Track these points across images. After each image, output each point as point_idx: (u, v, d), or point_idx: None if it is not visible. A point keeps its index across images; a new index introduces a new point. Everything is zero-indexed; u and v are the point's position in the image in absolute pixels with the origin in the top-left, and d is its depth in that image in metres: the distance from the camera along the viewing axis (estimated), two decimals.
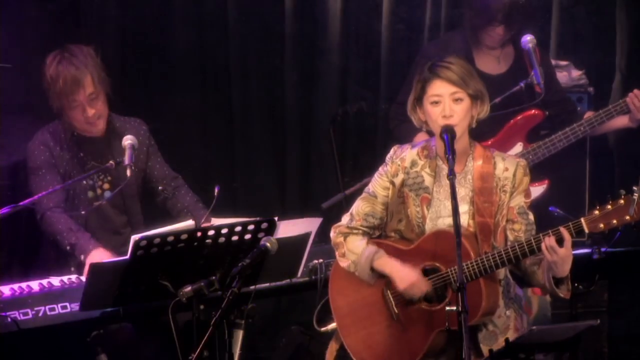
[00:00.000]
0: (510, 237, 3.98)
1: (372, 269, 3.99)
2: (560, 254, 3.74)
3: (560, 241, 3.78)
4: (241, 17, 6.99)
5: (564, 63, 6.05)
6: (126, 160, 4.60)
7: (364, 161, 6.61)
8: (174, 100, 7.22)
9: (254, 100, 7.02)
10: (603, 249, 5.02)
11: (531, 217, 4.02)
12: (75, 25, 6.60)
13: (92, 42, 5.49)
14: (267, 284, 4.43)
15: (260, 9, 6.98)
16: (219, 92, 8.63)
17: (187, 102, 7.79)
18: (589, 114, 5.59)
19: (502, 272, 3.98)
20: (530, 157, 5.43)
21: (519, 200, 3.98)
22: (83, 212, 4.76)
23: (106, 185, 4.86)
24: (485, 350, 3.92)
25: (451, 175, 3.76)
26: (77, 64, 4.68)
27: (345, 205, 5.20)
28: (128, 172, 4.60)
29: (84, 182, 4.77)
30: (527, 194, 4.02)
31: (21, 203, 4.51)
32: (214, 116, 8.21)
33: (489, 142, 5.27)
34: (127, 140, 4.73)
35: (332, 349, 4.25)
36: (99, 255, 4.60)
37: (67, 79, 4.63)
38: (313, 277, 4.67)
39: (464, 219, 3.92)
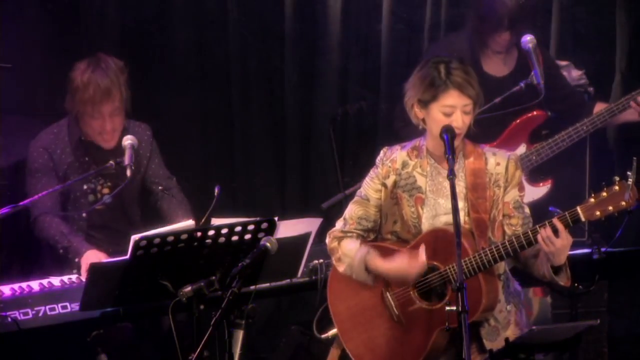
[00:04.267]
0: (508, 231, 3.97)
1: (368, 270, 3.96)
2: (557, 244, 3.76)
3: (555, 231, 3.78)
4: (241, 17, 7.00)
5: (564, 63, 6.05)
6: (126, 160, 4.62)
7: (364, 161, 6.60)
8: (174, 100, 7.23)
9: (254, 100, 7.03)
10: (603, 249, 5.02)
11: (527, 210, 4.02)
12: (75, 25, 6.61)
13: (93, 41, 5.46)
14: (267, 284, 4.44)
15: (260, 9, 6.99)
16: (219, 92, 8.65)
17: (187, 102, 7.81)
18: (598, 106, 5.56)
19: (502, 267, 3.98)
20: (534, 157, 5.43)
21: (513, 195, 3.98)
22: (84, 215, 4.78)
23: (106, 190, 4.86)
24: (488, 345, 3.92)
25: (451, 175, 3.74)
26: (110, 76, 4.68)
27: (345, 205, 5.20)
28: (128, 172, 4.60)
29: (85, 186, 4.79)
30: (520, 187, 4.02)
31: (21, 203, 4.52)
32: (214, 116, 8.22)
33: (494, 144, 5.28)
34: (127, 140, 4.74)
35: (333, 355, 4.21)
36: (93, 256, 4.60)
37: (99, 88, 4.62)
38: (313, 277, 4.68)
39: (460, 216, 3.83)
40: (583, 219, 3.81)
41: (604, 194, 3.79)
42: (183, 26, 7.04)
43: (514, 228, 3.97)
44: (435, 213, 3.96)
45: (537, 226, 3.85)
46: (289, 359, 5.49)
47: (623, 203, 3.78)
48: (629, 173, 3.81)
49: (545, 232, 3.76)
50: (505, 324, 4.00)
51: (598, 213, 3.80)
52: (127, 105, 4.83)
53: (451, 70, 3.88)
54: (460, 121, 3.86)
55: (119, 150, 4.77)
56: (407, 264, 3.85)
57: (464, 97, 3.86)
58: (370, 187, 4.04)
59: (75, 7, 6.51)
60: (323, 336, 4.42)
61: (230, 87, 7.12)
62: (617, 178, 3.84)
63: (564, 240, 3.77)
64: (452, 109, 3.85)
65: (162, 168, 5.09)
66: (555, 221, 3.79)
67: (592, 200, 3.80)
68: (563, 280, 3.86)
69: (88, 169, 4.82)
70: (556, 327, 4.40)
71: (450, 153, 3.78)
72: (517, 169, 3.99)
